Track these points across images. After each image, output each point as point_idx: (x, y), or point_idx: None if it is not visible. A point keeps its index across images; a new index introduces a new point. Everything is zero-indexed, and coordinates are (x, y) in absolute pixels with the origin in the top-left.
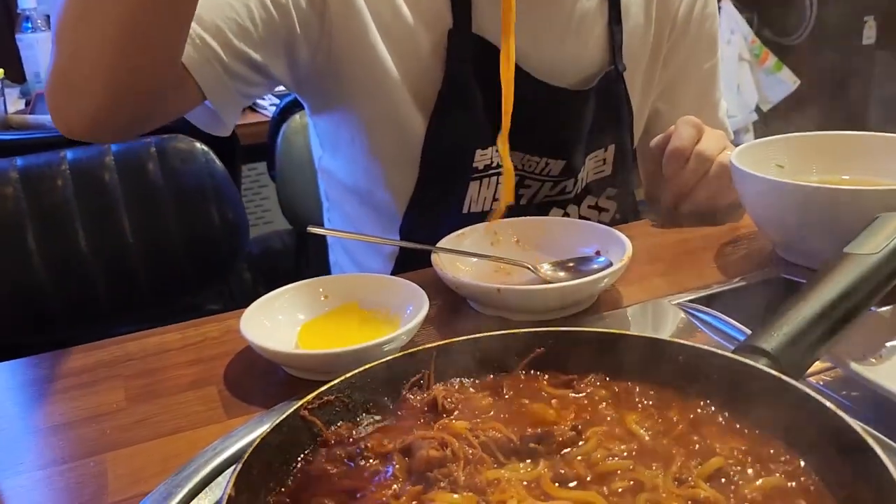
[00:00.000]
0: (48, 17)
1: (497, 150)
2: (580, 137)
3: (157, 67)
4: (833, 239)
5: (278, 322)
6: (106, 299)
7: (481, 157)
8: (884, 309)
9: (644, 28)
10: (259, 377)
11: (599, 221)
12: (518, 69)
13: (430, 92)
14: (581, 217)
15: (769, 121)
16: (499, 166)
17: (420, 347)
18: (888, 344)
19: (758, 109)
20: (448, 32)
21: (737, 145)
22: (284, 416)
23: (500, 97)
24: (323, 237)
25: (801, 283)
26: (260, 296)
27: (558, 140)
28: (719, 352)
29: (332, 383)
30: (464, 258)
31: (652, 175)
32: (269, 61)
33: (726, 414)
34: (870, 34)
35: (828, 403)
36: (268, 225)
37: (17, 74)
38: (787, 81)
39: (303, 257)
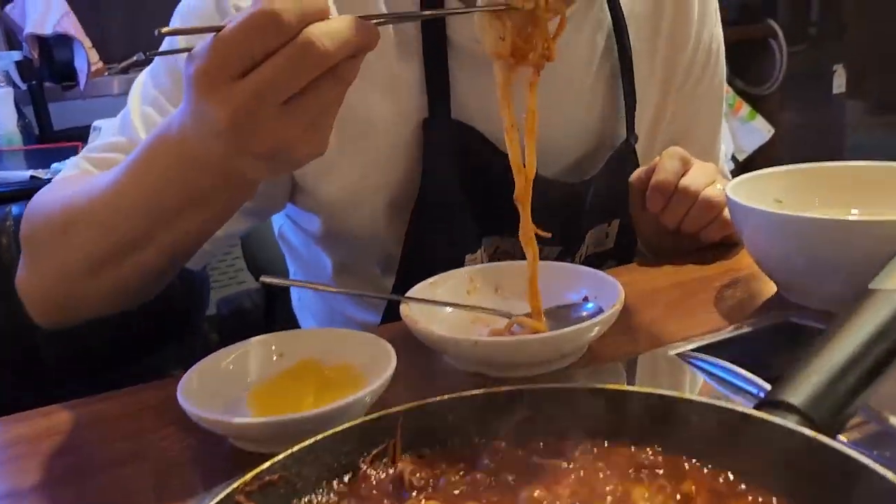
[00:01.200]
0: (7, 73)
1: (484, 251)
2: (581, 223)
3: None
4: (845, 277)
5: (225, 386)
6: (52, 363)
7: (471, 261)
8: None
9: (651, 89)
10: (202, 452)
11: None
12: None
13: (407, 197)
14: None
15: (747, 169)
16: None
17: (383, 412)
18: None
19: (734, 159)
20: (424, 122)
21: None
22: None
23: (487, 190)
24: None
25: (813, 328)
26: None
27: (555, 230)
28: (740, 409)
29: (275, 459)
30: (439, 308)
31: (638, 210)
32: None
33: (752, 484)
34: (840, 83)
35: (876, 467)
36: (240, 285)
37: None
38: (761, 130)
39: (272, 318)
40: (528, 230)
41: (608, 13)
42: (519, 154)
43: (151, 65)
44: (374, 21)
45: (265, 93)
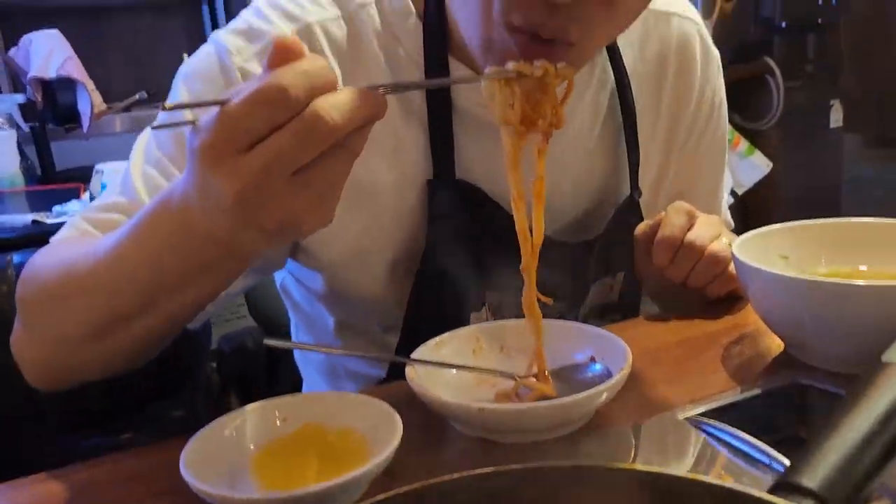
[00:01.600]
0: (10, 116)
1: (488, 308)
2: (585, 279)
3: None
4: (853, 341)
5: (228, 453)
6: (54, 414)
7: (476, 319)
8: None
9: (655, 146)
10: None
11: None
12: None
13: (410, 258)
14: None
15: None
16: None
17: (388, 494)
18: None
19: (733, 193)
20: (428, 183)
21: None
22: None
23: (491, 248)
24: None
25: (822, 390)
26: (228, 401)
27: (560, 287)
28: (756, 493)
29: None
30: (445, 368)
31: (643, 264)
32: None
33: None
34: (837, 117)
35: None
36: (241, 320)
37: None
38: (760, 165)
39: (274, 358)
40: (531, 298)
41: (611, 73)
42: (526, 223)
43: (154, 124)
44: (382, 90)
45: (273, 167)
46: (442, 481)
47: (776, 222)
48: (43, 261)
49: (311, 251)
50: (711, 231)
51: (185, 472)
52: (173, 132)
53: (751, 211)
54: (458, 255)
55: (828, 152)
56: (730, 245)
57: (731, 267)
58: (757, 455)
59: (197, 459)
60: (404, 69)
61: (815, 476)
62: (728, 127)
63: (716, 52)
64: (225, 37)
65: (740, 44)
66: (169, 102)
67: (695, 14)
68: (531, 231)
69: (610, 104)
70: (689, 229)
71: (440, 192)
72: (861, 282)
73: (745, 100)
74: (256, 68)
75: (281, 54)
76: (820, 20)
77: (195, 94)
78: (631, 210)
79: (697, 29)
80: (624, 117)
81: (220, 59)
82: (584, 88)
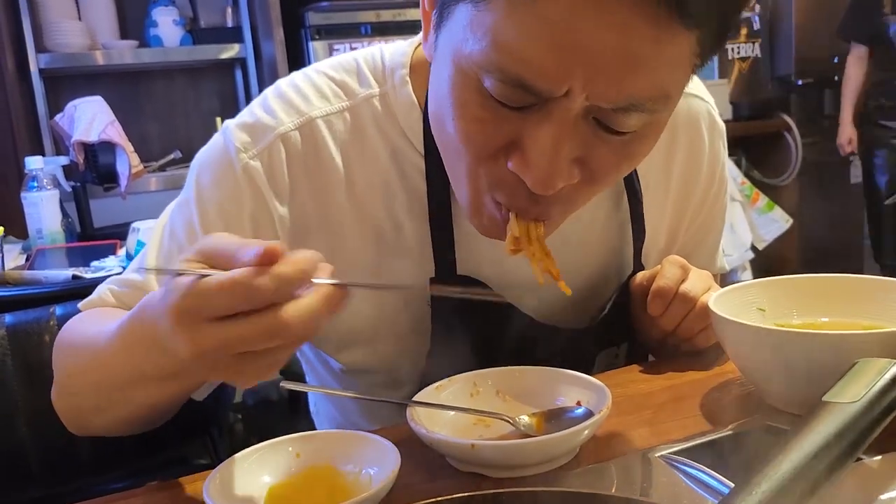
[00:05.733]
0: (54, 176)
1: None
2: (591, 352)
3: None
4: (816, 385)
5: (246, 484)
6: (87, 455)
7: None
8: (874, 459)
9: (663, 223)
10: None
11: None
12: (520, 313)
13: (419, 338)
14: None
15: (769, 257)
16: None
17: None
18: (882, 496)
19: (753, 248)
20: (430, 280)
21: (734, 283)
22: None
23: (493, 336)
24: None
25: (785, 431)
26: None
27: (566, 365)
28: None
29: None
30: (443, 411)
31: (638, 312)
32: None
33: None
34: (856, 172)
35: None
36: None
37: (20, 231)
38: (779, 220)
39: (296, 410)
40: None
41: None
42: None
43: (171, 214)
44: (359, 287)
45: (231, 345)
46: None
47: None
48: (71, 330)
49: (323, 335)
50: (703, 284)
51: (208, 498)
52: (186, 224)
53: (773, 265)
54: (464, 343)
55: (848, 207)
56: None
57: None
58: (721, 488)
59: (218, 488)
60: (407, 158)
61: (750, 500)
62: (746, 182)
63: (722, 127)
64: (234, 131)
65: (758, 102)
66: (148, 262)
67: (703, 91)
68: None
69: (616, 189)
70: (682, 281)
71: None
72: (816, 331)
73: (763, 156)
74: (259, 166)
75: (267, 257)
76: (836, 77)
77: (204, 186)
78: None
79: (706, 106)
80: (631, 201)
81: (228, 154)
82: None
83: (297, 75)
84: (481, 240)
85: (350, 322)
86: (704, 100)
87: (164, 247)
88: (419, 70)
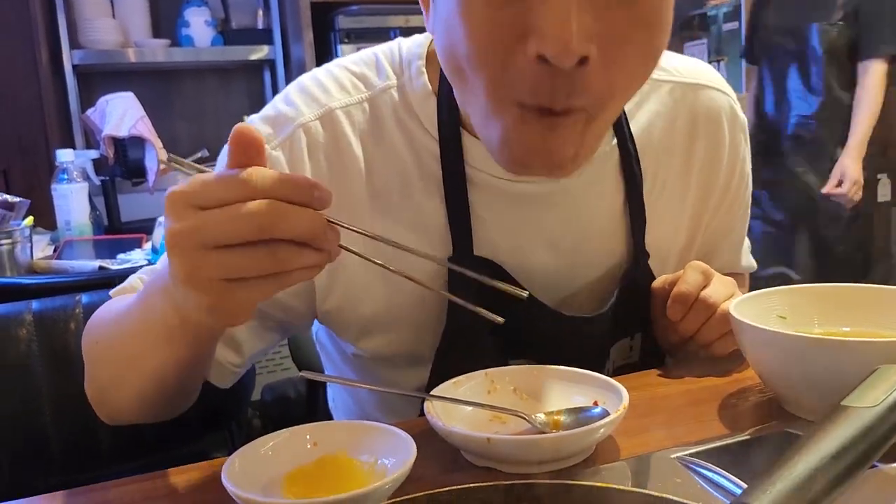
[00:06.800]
0: (84, 170)
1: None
2: (603, 344)
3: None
4: (836, 393)
5: (264, 470)
6: (107, 445)
7: None
8: (890, 466)
9: (682, 220)
10: None
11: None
12: (534, 300)
13: (437, 319)
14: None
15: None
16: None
17: (397, 499)
18: None
19: None
20: (448, 259)
21: None
22: None
23: (511, 320)
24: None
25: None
26: None
27: (579, 357)
28: None
29: None
30: (460, 406)
31: (658, 315)
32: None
33: None
34: (885, 192)
35: None
36: (284, 372)
37: (49, 222)
38: None
39: (314, 408)
40: None
41: (616, 146)
42: None
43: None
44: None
45: (224, 266)
46: (439, 492)
47: None
48: (99, 317)
49: (342, 316)
50: (726, 291)
51: (226, 481)
52: None
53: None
54: (479, 325)
55: (877, 226)
56: None
57: None
58: (735, 490)
59: (236, 473)
60: (423, 144)
61: (764, 498)
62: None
63: (743, 121)
64: (257, 124)
65: None
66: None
67: (724, 85)
68: None
69: (612, 172)
70: (704, 287)
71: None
72: (835, 337)
73: None
74: (280, 156)
75: (241, 135)
76: None
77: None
78: (639, 273)
79: (727, 100)
80: (628, 183)
81: None
82: (591, 165)
83: (318, 70)
84: (497, 227)
85: (371, 307)
86: (726, 93)
87: None
88: (434, 60)
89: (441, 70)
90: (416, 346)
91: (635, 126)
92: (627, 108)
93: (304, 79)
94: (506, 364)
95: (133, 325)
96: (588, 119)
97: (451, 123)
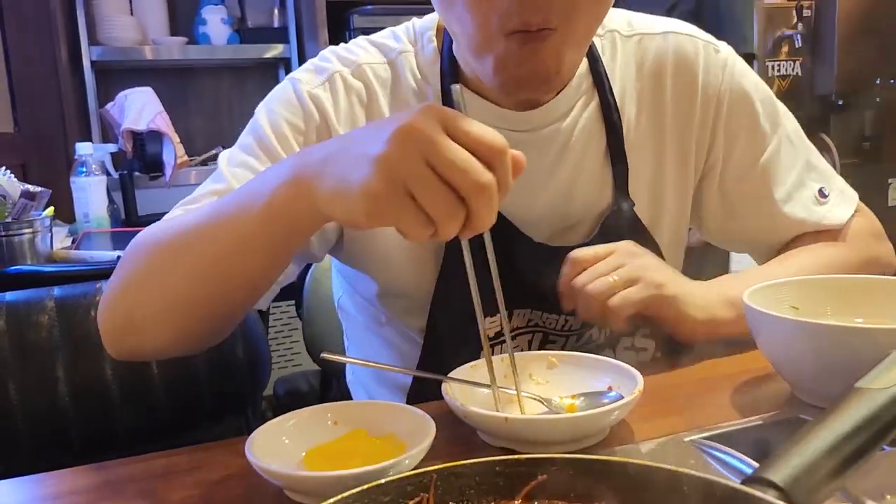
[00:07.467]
0: (102, 163)
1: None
2: None
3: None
4: (849, 380)
5: (284, 446)
6: (125, 429)
7: (491, 325)
8: None
9: (666, 159)
10: (260, 501)
11: (639, 362)
12: (515, 231)
13: (433, 260)
14: (619, 360)
15: None
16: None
17: (420, 470)
18: None
19: None
20: None
21: None
22: None
23: (512, 268)
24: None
25: None
26: None
27: (554, 289)
28: (724, 482)
29: (328, 502)
30: (477, 390)
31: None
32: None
33: None
34: (895, 196)
35: None
36: (296, 367)
37: (68, 214)
38: None
39: (327, 399)
40: None
41: (595, 91)
42: None
43: (229, 152)
44: None
45: (419, 174)
46: (461, 464)
47: None
48: (151, 233)
49: (358, 246)
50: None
51: (249, 454)
52: (258, 142)
53: None
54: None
55: (887, 229)
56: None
57: (613, 301)
58: (748, 471)
59: (259, 447)
60: (428, 97)
61: (780, 473)
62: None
63: (725, 53)
64: (296, 73)
65: (797, 121)
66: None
67: (693, 29)
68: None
69: (594, 119)
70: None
71: None
72: (850, 324)
73: None
74: (322, 93)
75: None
76: (878, 98)
77: (274, 113)
78: (620, 218)
79: (694, 41)
80: (608, 130)
81: (294, 88)
82: (569, 106)
83: (341, 45)
84: None
85: (383, 241)
86: (693, 35)
87: (236, 160)
88: (442, 31)
89: (445, 36)
90: (414, 286)
91: (613, 79)
92: (605, 63)
93: (330, 48)
94: (498, 309)
95: (238, 224)
96: (561, 39)
97: (451, 75)
